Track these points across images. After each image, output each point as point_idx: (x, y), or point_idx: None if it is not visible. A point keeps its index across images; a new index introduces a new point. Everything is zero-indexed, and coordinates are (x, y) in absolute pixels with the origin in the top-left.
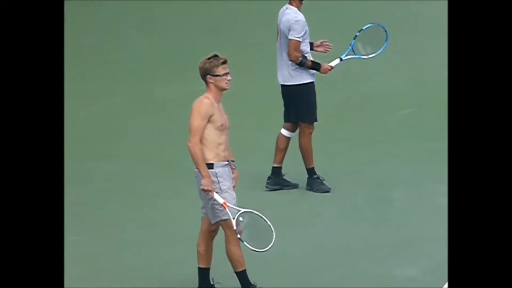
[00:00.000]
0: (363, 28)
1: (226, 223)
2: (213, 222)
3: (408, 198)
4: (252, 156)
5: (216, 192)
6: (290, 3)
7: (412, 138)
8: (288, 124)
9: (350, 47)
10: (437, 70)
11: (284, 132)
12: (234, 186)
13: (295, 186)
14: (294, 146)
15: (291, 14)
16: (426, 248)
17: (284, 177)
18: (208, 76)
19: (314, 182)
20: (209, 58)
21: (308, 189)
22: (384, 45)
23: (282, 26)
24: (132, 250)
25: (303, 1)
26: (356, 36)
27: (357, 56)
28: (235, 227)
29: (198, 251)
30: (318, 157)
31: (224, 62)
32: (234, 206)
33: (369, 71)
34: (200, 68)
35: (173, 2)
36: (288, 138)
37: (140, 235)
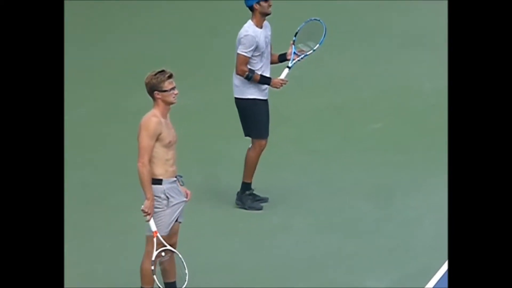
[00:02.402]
0: (297, 30)
1: (153, 239)
2: (145, 234)
3: (378, 210)
4: (220, 168)
5: (160, 209)
6: (252, 18)
7: (383, 150)
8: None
9: (292, 53)
10: (408, 82)
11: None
12: (187, 201)
13: (264, 200)
14: (261, 160)
15: (244, 28)
16: (397, 260)
17: (253, 192)
18: (155, 91)
19: (247, 199)
20: (155, 74)
21: (238, 205)
22: (323, 33)
23: (236, 39)
24: (104, 259)
25: (265, 17)
26: (294, 41)
27: (303, 56)
28: (153, 258)
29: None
30: (288, 167)
31: (170, 77)
32: (163, 240)
33: (341, 82)
34: (146, 84)
35: (158, 7)
36: None
37: (114, 243)
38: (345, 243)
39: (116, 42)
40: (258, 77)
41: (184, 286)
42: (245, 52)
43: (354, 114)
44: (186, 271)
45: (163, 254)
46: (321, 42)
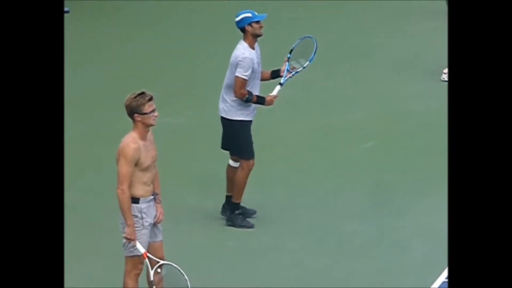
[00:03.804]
0: (292, 47)
1: (133, 259)
2: (124, 255)
3: (368, 231)
4: (212, 187)
5: (138, 228)
6: (244, 39)
7: (374, 171)
8: None
9: (286, 70)
10: (398, 103)
11: (231, 162)
12: (159, 221)
13: (252, 213)
14: (253, 179)
15: (240, 50)
16: (387, 280)
17: (241, 205)
18: (135, 114)
19: (237, 218)
20: (135, 96)
21: (229, 225)
22: (314, 51)
23: (231, 60)
24: (92, 280)
25: (257, 38)
26: (288, 58)
27: (294, 73)
28: (152, 278)
29: None
30: (279, 188)
31: (150, 99)
32: (153, 257)
33: (332, 103)
34: (126, 106)
35: (154, 26)
36: (235, 168)
37: (102, 265)
38: (336, 264)
39: (108, 63)
40: (256, 99)
41: None
42: (245, 75)
43: (345, 134)
44: (186, 277)
45: (159, 270)
46: (311, 59)
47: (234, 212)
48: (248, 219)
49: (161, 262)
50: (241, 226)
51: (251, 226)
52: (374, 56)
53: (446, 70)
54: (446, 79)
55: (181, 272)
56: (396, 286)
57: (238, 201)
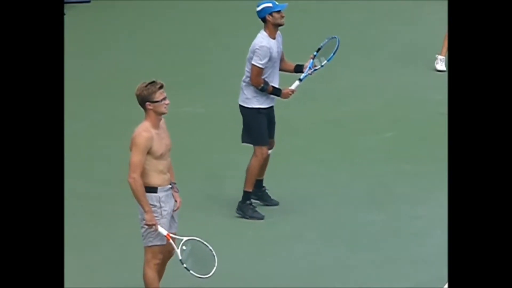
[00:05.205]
0: (320, 46)
1: (152, 248)
2: (144, 245)
3: (385, 221)
4: (233, 177)
5: (157, 217)
6: (264, 28)
7: (390, 160)
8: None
9: (309, 67)
10: (415, 92)
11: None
12: (176, 209)
13: (275, 204)
14: (270, 169)
15: (258, 39)
16: (403, 270)
17: (265, 191)
18: (147, 103)
19: (247, 209)
20: (146, 85)
21: (239, 214)
22: (334, 51)
23: (250, 48)
24: (107, 270)
25: (278, 28)
26: (314, 55)
27: (313, 70)
28: (180, 257)
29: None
30: (297, 177)
31: (161, 87)
32: (176, 236)
33: (348, 93)
34: (138, 96)
35: (163, 18)
36: (268, 156)
37: (115, 254)
38: (353, 253)
39: (117, 53)
40: (271, 89)
41: (215, 267)
42: (261, 64)
43: (362, 124)
44: (210, 247)
45: (184, 248)
46: (330, 58)
47: (245, 202)
48: (258, 210)
49: (185, 238)
50: (251, 217)
51: (261, 218)
52: (390, 45)
53: (441, 57)
54: (439, 68)
55: (205, 244)
56: (413, 276)
57: (249, 190)
